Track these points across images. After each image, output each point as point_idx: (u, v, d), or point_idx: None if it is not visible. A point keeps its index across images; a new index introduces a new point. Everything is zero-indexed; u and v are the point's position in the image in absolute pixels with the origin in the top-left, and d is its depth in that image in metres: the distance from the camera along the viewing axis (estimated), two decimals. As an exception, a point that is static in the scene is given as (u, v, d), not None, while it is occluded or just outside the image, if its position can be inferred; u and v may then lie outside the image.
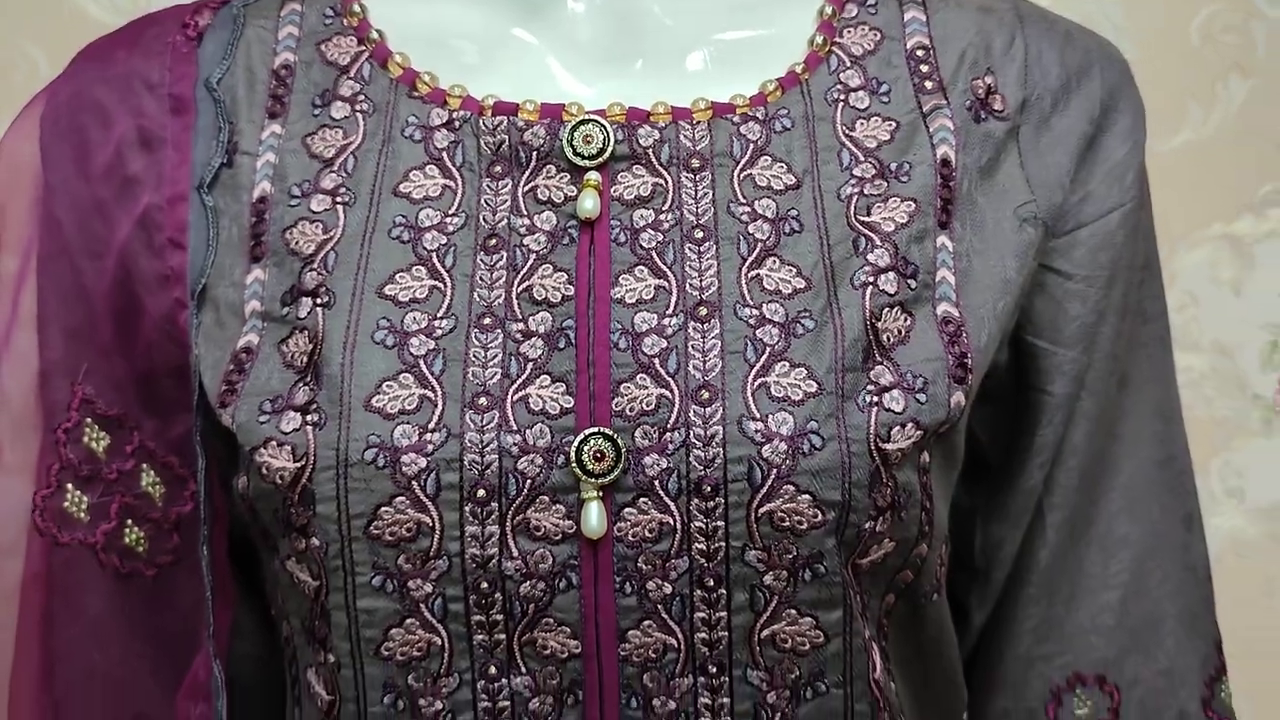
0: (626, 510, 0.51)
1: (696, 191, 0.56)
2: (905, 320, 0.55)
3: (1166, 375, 0.67)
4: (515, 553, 0.51)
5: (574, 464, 0.51)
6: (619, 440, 0.51)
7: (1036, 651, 0.65)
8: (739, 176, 0.56)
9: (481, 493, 0.51)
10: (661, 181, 0.56)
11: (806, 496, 0.51)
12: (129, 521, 0.62)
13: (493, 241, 0.55)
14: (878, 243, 0.56)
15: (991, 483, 0.65)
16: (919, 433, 0.53)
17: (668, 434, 0.51)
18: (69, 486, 0.61)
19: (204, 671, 0.60)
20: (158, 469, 0.63)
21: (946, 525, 0.59)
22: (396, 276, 0.55)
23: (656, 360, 0.52)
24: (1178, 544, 0.66)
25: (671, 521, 0.51)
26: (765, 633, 0.52)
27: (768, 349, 0.53)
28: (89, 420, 0.62)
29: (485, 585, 0.51)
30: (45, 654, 0.62)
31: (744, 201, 0.56)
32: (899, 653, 0.58)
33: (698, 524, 0.51)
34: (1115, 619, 0.65)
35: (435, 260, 0.55)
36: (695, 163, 0.56)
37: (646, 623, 0.52)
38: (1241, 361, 0.86)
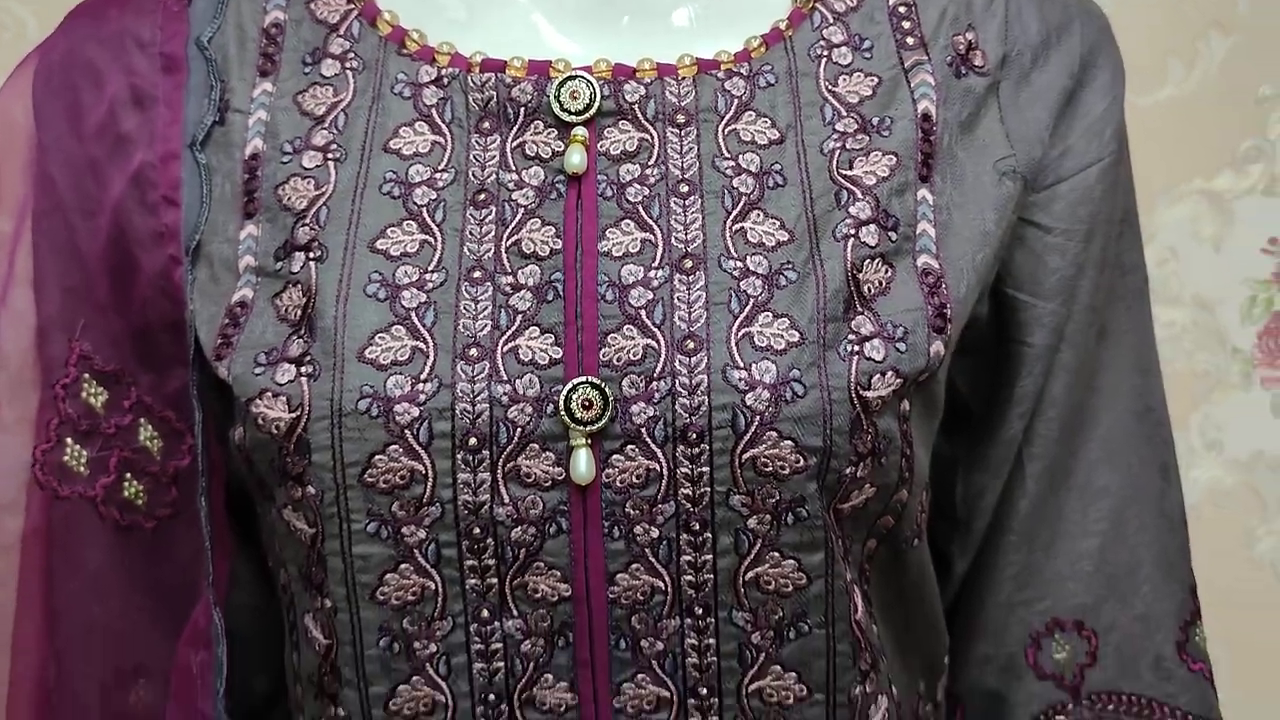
0: (614, 457, 0.52)
1: (682, 146, 0.57)
2: (886, 272, 0.56)
3: (1144, 327, 0.68)
4: (506, 499, 0.53)
5: (563, 412, 0.52)
6: (606, 389, 0.52)
7: (1017, 598, 0.67)
8: (723, 131, 0.57)
9: (473, 441, 0.52)
10: (647, 137, 0.57)
11: (789, 442, 0.52)
12: (128, 475, 0.63)
13: (482, 196, 0.56)
14: (859, 196, 0.57)
15: (972, 434, 0.67)
16: (899, 381, 0.54)
17: (654, 383, 0.52)
18: (68, 441, 0.63)
19: (204, 619, 0.61)
20: (155, 423, 0.64)
21: (927, 472, 0.61)
22: (387, 231, 0.55)
23: (643, 311, 0.53)
24: (1155, 493, 0.68)
25: (658, 468, 0.52)
26: (749, 575, 0.53)
27: (751, 300, 0.54)
28: (87, 376, 0.63)
29: (477, 531, 0.53)
30: (47, 607, 0.63)
31: (728, 156, 0.57)
32: (881, 597, 0.60)
33: (683, 470, 0.52)
34: (1093, 566, 0.66)
35: (425, 215, 0.56)
36: (680, 118, 0.57)
37: (634, 566, 0.53)
38: (1221, 316, 0.87)
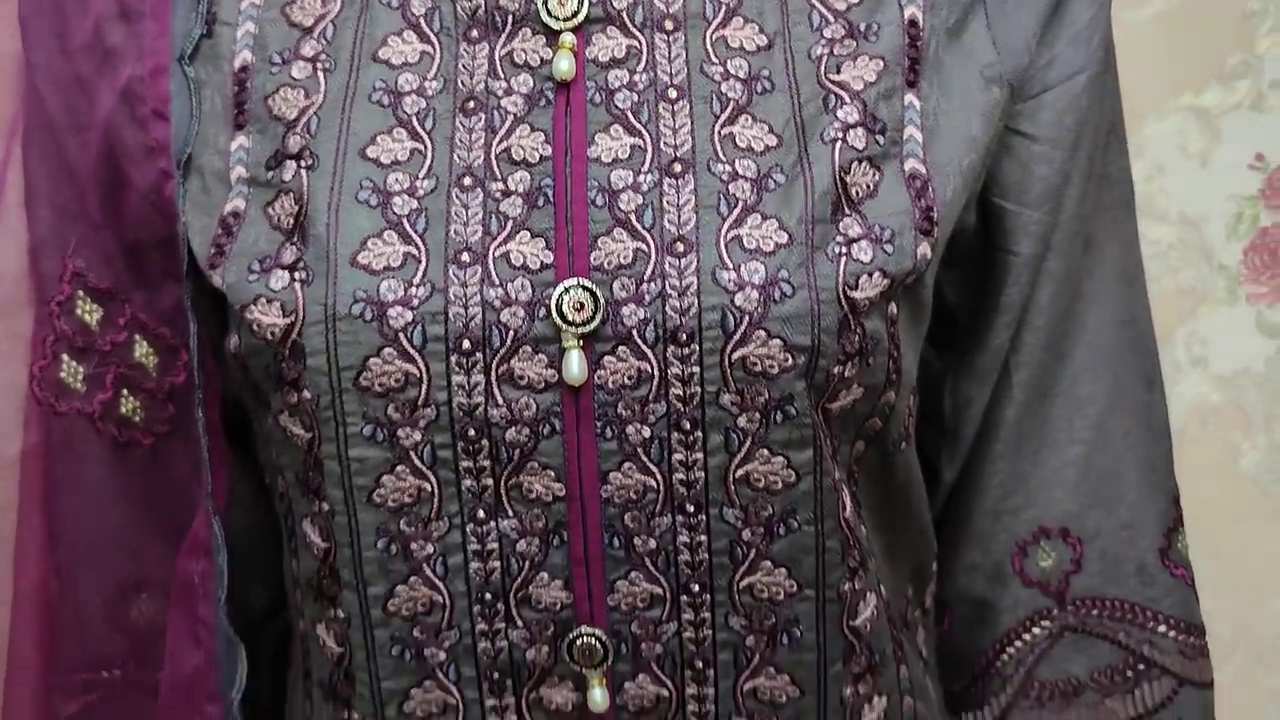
0: (606, 359, 0.53)
1: (670, 52, 0.57)
2: (873, 175, 0.56)
3: (1129, 238, 0.69)
4: (500, 401, 0.53)
5: (555, 315, 0.53)
6: (598, 292, 0.53)
7: (1003, 506, 0.68)
8: (711, 37, 0.57)
9: (466, 344, 0.53)
10: (635, 43, 0.57)
11: (777, 341, 0.53)
12: (124, 391, 0.64)
13: (471, 104, 0.56)
14: (847, 100, 0.57)
15: (961, 344, 0.68)
16: (886, 282, 0.55)
17: (644, 285, 0.53)
18: (64, 357, 0.63)
19: (203, 530, 0.62)
20: (150, 340, 0.64)
21: (914, 377, 0.62)
22: (377, 139, 0.56)
23: (633, 215, 0.54)
24: (1139, 402, 0.69)
25: (649, 368, 0.53)
26: (739, 472, 0.54)
27: (740, 203, 0.54)
28: (81, 293, 0.63)
29: (472, 432, 0.53)
30: (47, 522, 0.64)
31: (716, 61, 0.57)
32: (869, 500, 0.61)
33: (674, 370, 0.53)
34: (1078, 474, 0.67)
35: (415, 123, 0.56)
36: (669, 24, 0.57)
37: (627, 465, 0.54)
38: (1207, 232, 0.87)
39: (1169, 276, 0.88)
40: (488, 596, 0.55)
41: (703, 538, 0.54)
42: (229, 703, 0.61)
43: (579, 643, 0.54)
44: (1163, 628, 0.68)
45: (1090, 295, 0.67)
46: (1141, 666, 0.68)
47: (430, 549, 0.55)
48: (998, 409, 0.67)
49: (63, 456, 0.64)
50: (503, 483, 0.54)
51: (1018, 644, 0.68)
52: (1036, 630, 0.68)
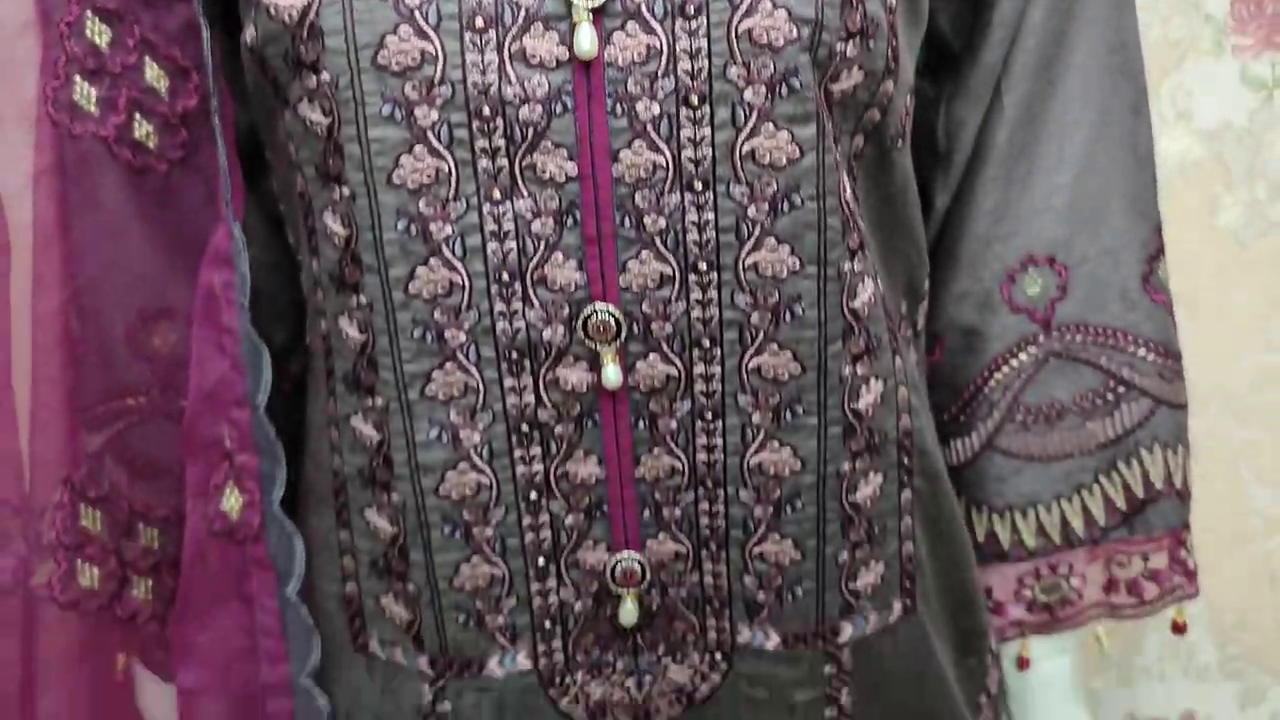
0: (616, 34, 0.55)
1: None
2: None
3: None
4: (513, 79, 0.55)
5: None
6: None
7: (994, 232, 0.70)
8: None
9: (480, 21, 0.54)
10: None
11: (783, 12, 0.54)
12: (137, 115, 0.65)
13: None
14: None
15: (955, 67, 0.69)
16: None
17: None
18: (76, 78, 0.64)
19: (225, 241, 0.63)
20: (160, 62, 0.65)
21: (911, 77, 0.63)
22: None
23: None
24: (1126, 129, 0.70)
25: (658, 44, 0.55)
26: (746, 148, 0.56)
27: None
28: (89, 13, 0.64)
29: (487, 111, 0.55)
30: (65, 246, 0.65)
31: None
32: (868, 200, 0.63)
33: (682, 44, 0.55)
34: (1066, 201, 0.70)
35: None
36: None
37: (637, 142, 0.56)
38: (1195, -20, 0.88)
39: (1157, 27, 0.89)
40: (505, 277, 0.57)
41: (710, 215, 0.56)
42: (257, 405, 0.63)
43: (593, 319, 0.57)
44: (1142, 351, 0.71)
45: (1082, 18, 0.68)
46: (1121, 389, 0.71)
47: (449, 230, 0.56)
48: (989, 131, 0.69)
49: (79, 181, 0.64)
50: (517, 162, 0.56)
51: (1005, 369, 0.71)
52: (1023, 356, 0.71)
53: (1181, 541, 0.73)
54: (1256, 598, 1.02)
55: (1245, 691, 1.03)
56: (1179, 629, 0.76)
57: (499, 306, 0.57)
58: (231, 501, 0.64)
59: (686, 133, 0.55)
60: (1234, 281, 0.94)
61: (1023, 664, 0.73)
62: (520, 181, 0.56)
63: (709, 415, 0.59)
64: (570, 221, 0.56)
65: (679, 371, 0.58)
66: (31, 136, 0.64)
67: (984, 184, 0.70)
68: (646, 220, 0.56)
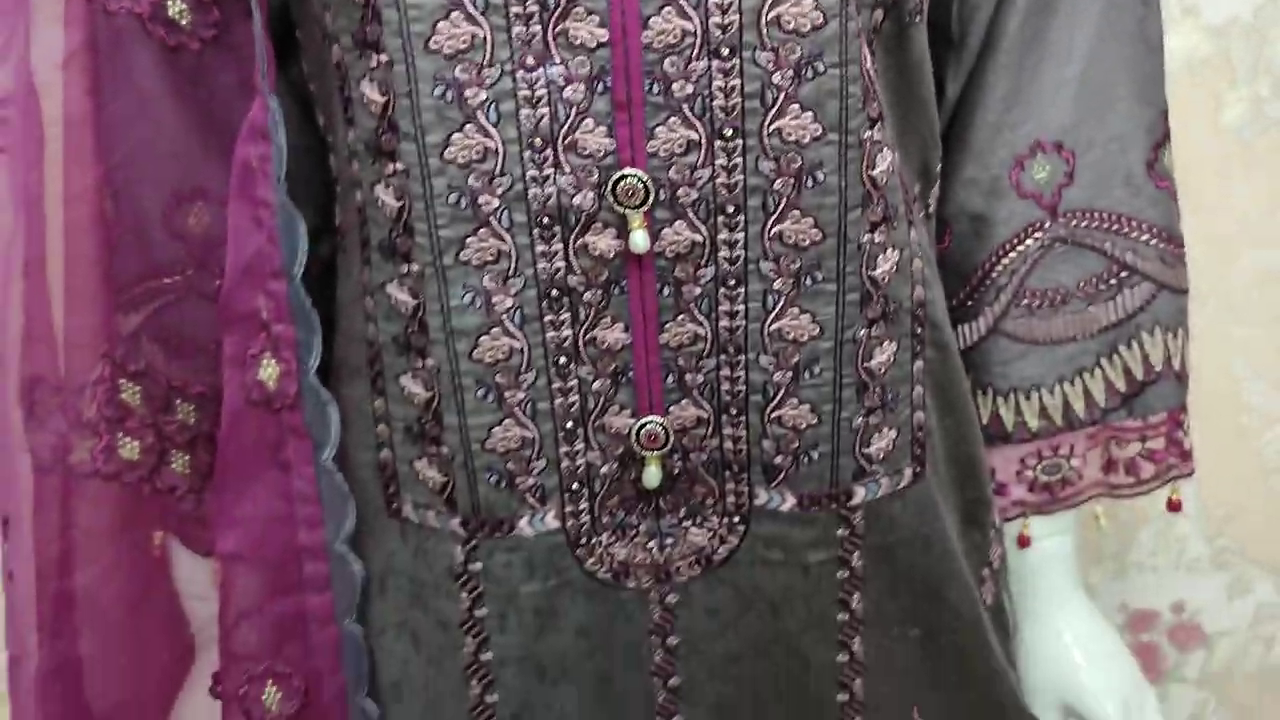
0: None
1: None
2: None
3: None
4: None
5: None
6: None
7: (1003, 119, 0.72)
8: None
9: None
10: None
11: None
12: (171, -9, 0.66)
13: None
14: None
15: (968, -46, 0.71)
16: None
17: None
18: None
19: (260, 115, 0.64)
20: None
21: None
22: None
23: None
24: (1136, 16, 0.72)
25: None
26: (771, 14, 0.58)
27: None
28: None
29: None
30: (97, 124, 0.66)
31: None
32: (886, 74, 0.64)
33: None
34: (1075, 88, 0.71)
35: None
36: None
37: (666, 9, 0.57)
38: (1206, -128, 0.89)
39: (1168, -82, 0.90)
40: (537, 142, 0.59)
41: (736, 81, 0.58)
42: (293, 276, 0.65)
43: (622, 184, 0.58)
44: (1145, 235, 0.73)
45: None
46: (1124, 274, 0.73)
47: (483, 95, 0.58)
48: (1001, 18, 0.71)
49: (112, 58, 0.65)
50: (550, 29, 0.57)
51: (1012, 255, 0.73)
52: (1030, 241, 0.73)
53: (1179, 423, 0.76)
54: (1248, 492, 1.05)
55: (1233, 583, 1.07)
56: (1174, 506, 0.79)
57: (531, 172, 0.59)
58: (269, 370, 0.66)
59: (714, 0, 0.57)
60: (1236, 178, 0.96)
61: (1023, 541, 0.76)
62: (553, 48, 0.58)
63: (732, 282, 0.61)
64: (600, 88, 0.58)
65: (704, 238, 0.60)
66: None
67: (995, 70, 0.72)
68: (674, 87, 0.58)
